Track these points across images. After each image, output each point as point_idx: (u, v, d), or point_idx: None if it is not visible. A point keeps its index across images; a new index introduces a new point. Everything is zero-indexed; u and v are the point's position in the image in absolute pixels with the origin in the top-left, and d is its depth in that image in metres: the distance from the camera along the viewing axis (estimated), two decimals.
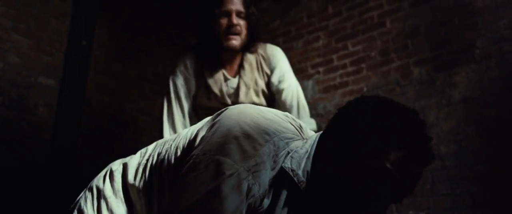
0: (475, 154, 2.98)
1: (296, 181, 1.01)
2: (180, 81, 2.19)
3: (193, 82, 2.19)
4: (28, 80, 3.38)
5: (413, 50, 3.48)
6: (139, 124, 4.12)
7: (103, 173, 1.31)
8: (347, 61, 3.82)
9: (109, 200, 1.20)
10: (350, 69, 3.78)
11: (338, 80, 3.82)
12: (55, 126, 3.45)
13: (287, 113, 1.15)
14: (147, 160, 1.22)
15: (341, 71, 3.81)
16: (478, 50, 3.17)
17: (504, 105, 2.96)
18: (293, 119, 1.14)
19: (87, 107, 3.72)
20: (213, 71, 2.18)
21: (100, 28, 3.96)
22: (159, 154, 1.20)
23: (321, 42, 4.00)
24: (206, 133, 1.03)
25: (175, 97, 2.19)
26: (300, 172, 1.01)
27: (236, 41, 2.09)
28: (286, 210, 1.04)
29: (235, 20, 2.08)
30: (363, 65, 3.72)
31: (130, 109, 4.08)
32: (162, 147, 1.22)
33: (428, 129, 3.17)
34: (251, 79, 2.17)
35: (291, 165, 1.01)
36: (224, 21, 2.08)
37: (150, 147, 1.28)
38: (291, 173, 1.00)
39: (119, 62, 4.09)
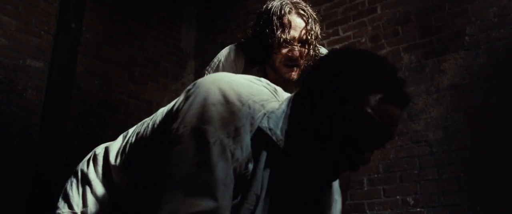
0: (462, 140, 3.02)
1: (275, 140, 1.01)
2: (224, 72, 1.89)
3: None
4: (16, 63, 3.35)
5: (404, 37, 3.49)
6: (129, 107, 4.11)
7: (87, 157, 1.33)
8: (338, 46, 3.83)
9: (93, 183, 1.21)
10: None
11: None
12: (44, 109, 3.43)
13: (261, 78, 1.14)
14: (127, 141, 1.23)
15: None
16: (467, 37, 3.19)
17: (491, 92, 2.99)
18: (268, 83, 1.14)
19: (77, 90, 3.70)
20: None
21: (89, 10, 3.92)
22: (138, 133, 1.21)
23: None
24: (182, 104, 1.03)
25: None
26: (278, 131, 1.01)
27: (295, 74, 1.84)
28: (268, 171, 1.04)
29: (297, 51, 1.80)
30: None
31: (120, 93, 4.07)
32: (141, 126, 1.23)
33: (415, 111, 3.17)
34: None
35: (268, 124, 1.01)
36: (285, 49, 1.80)
37: (131, 129, 1.30)
38: (269, 132, 1.00)
39: (109, 46, 4.06)
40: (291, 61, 1.83)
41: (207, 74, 1.96)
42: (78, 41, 3.76)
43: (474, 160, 2.95)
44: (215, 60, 1.99)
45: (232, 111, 0.97)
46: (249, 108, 1.00)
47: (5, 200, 3.08)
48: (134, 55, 4.26)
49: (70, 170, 1.37)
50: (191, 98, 1.01)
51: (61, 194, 1.26)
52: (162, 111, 1.17)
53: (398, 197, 3.18)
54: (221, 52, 2.02)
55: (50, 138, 3.41)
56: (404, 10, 3.54)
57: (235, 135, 0.96)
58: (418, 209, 3.07)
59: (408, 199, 3.13)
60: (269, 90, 1.10)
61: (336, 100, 0.97)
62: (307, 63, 1.87)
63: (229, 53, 1.97)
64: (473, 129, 3.01)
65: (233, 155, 0.95)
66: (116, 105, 4.01)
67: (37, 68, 3.46)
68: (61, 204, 1.23)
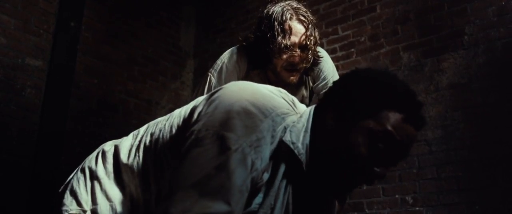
0: (461, 140, 3.03)
1: (297, 154, 1.04)
2: (228, 78, 1.96)
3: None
4: (15, 61, 3.34)
5: (403, 36, 3.49)
6: (128, 106, 4.11)
7: (95, 153, 1.29)
8: (337, 45, 3.83)
9: (102, 181, 1.18)
10: (340, 53, 3.79)
11: None
12: (43, 108, 3.42)
13: (280, 88, 1.16)
14: (140, 141, 1.21)
15: (331, 56, 3.76)
16: (466, 37, 3.19)
17: (490, 92, 3.00)
18: (286, 94, 1.16)
19: (76, 89, 3.69)
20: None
21: (88, 9, 3.91)
22: (152, 134, 1.19)
23: None
24: (205, 108, 1.04)
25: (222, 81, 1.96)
26: (299, 145, 1.04)
27: (294, 78, 1.91)
28: (284, 182, 1.07)
29: (298, 57, 1.85)
30: (353, 50, 3.73)
31: (119, 92, 4.06)
32: (155, 127, 1.21)
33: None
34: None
35: (291, 138, 1.04)
36: (285, 55, 1.84)
37: (142, 128, 1.27)
38: (291, 146, 1.03)
39: (108, 44, 4.05)
40: (291, 66, 1.87)
41: (211, 77, 1.99)
42: (77, 40, 3.75)
43: (473, 159, 2.95)
44: (219, 62, 2.01)
45: (255, 122, 0.99)
46: (272, 120, 1.02)
47: (4, 199, 3.08)
48: (133, 54, 4.25)
49: (69, 168, 1.36)
50: (215, 103, 1.02)
51: (68, 191, 1.22)
52: (179, 114, 1.16)
53: (397, 196, 3.18)
54: (224, 54, 2.03)
55: (49, 137, 3.41)
56: (404, 9, 3.54)
57: (256, 145, 0.98)
58: (417, 208, 3.07)
59: (407, 198, 3.13)
60: (288, 102, 1.13)
61: (358, 116, 1.02)
62: (306, 66, 1.91)
63: (232, 55, 1.99)
64: (472, 128, 3.01)
65: (253, 164, 0.97)
66: (115, 104, 4.00)
67: (36, 67, 3.46)
68: (68, 200, 1.19)
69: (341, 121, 1.04)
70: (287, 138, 1.04)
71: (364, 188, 3.30)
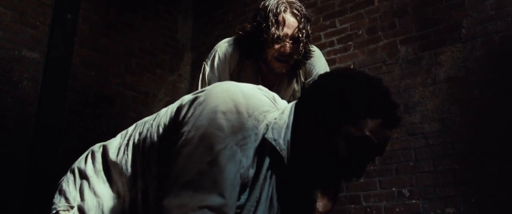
0: (458, 133, 3.03)
1: (278, 150, 1.10)
2: (220, 67, 2.03)
3: (225, 78, 2.06)
4: (12, 54, 3.33)
5: (400, 29, 3.49)
6: (125, 99, 4.10)
7: (84, 155, 1.34)
8: (334, 38, 3.83)
9: (91, 179, 1.23)
10: (337, 46, 3.79)
11: (325, 57, 3.79)
12: (40, 100, 3.42)
13: (260, 86, 1.22)
14: (128, 140, 1.25)
15: (328, 49, 3.81)
16: (464, 30, 3.19)
17: (487, 85, 3.00)
18: (267, 91, 1.22)
19: (73, 82, 3.69)
20: (249, 78, 2.06)
21: (85, 1, 3.90)
22: (140, 133, 1.23)
23: None
24: (191, 111, 1.09)
25: (216, 75, 2.03)
26: (281, 141, 1.10)
27: (284, 69, 1.98)
28: (268, 176, 1.13)
29: (289, 48, 1.93)
30: (350, 43, 3.72)
31: (117, 84, 4.06)
32: (142, 126, 1.26)
33: (411, 104, 3.18)
34: (287, 92, 2.10)
35: (273, 135, 1.10)
36: (277, 45, 1.92)
37: (130, 128, 1.32)
38: (274, 143, 1.09)
39: (105, 37, 4.04)
40: (282, 56, 1.95)
41: (205, 66, 2.07)
42: (74, 32, 3.74)
43: (469, 152, 2.96)
44: (212, 51, 2.09)
45: (241, 121, 1.05)
46: (255, 119, 1.09)
47: (1, 192, 3.08)
48: (130, 47, 4.24)
49: (66, 161, 1.37)
50: (202, 105, 1.08)
51: (57, 191, 1.26)
52: (166, 113, 1.20)
53: (393, 189, 3.20)
54: (217, 44, 2.11)
55: (46, 129, 3.40)
56: (401, 3, 3.53)
57: (242, 143, 1.04)
58: (414, 201, 3.09)
59: (403, 191, 3.15)
60: (269, 99, 1.19)
61: (337, 120, 1.08)
62: (297, 59, 2.00)
63: (224, 46, 2.07)
64: (469, 121, 3.02)
65: (240, 162, 1.04)
66: (112, 96, 4.00)
67: (33, 59, 3.45)
68: (57, 199, 1.24)
69: (322, 122, 1.10)
70: (269, 135, 1.09)
71: (362, 180, 3.31)
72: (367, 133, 1.06)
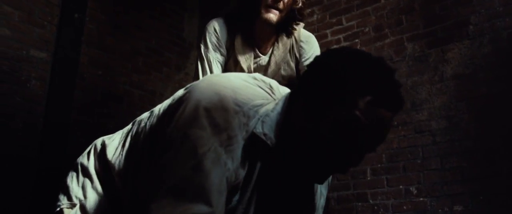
0: (465, 130, 3.02)
1: (270, 144, 1.00)
2: (214, 40, 2.11)
3: (223, 51, 2.12)
4: (20, 53, 3.35)
5: (407, 26, 3.47)
6: (132, 98, 4.12)
7: (87, 150, 1.34)
8: (341, 36, 3.82)
9: (93, 177, 1.23)
10: (344, 44, 3.78)
11: None
12: (47, 99, 3.44)
13: (255, 75, 1.12)
14: (125, 140, 1.23)
15: (335, 46, 3.80)
16: (471, 27, 3.17)
17: (495, 82, 2.98)
18: (262, 80, 1.11)
19: (80, 81, 3.70)
20: (244, 46, 2.11)
21: (92, 1, 3.91)
22: (134, 133, 1.21)
23: (315, 17, 3.98)
24: (176, 108, 1.02)
25: (211, 57, 2.11)
26: (272, 134, 1.01)
27: (274, 16, 2.02)
28: (260, 169, 1.05)
29: None
30: (357, 40, 3.71)
31: (124, 83, 4.07)
32: (138, 126, 1.21)
33: (419, 101, 3.15)
34: (282, 60, 2.12)
35: (263, 129, 1.00)
36: None
37: (128, 127, 1.29)
38: (263, 137, 0.99)
39: (112, 36, 4.05)
40: (273, 4, 2.01)
41: (201, 47, 2.14)
42: (82, 32, 3.75)
43: (477, 150, 2.94)
44: (203, 33, 2.18)
45: (226, 119, 0.95)
46: (244, 115, 0.98)
47: (10, 191, 3.10)
48: (137, 46, 4.26)
49: (74, 160, 1.38)
50: (185, 103, 0.99)
51: (61, 187, 1.28)
52: (158, 111, 1.15)
53: (401, 186, 3.19)
54: (206, 25, 2.19)
55: (54, 129, 3.42)
56: None
57: (227, 144, 0.94)
58: (421, 199, 3.08)
59: (411, 188, 3.14)
60: (264, 89, 1.08)
61: (327, 101, 0.96)
62: (287, 13, 2.07)
63: (212, 23, 2.16)
64: (477, 118, 3.00)
65: (225, 164, 0.94)
66: (119, 95, 4.01)
67: (40, 59, 3.47)
68: (61, 196, 1.25)
69: (312, 106, 0.98)
70: (258, 130, 0.99)
71: (369, 178, 3.30)
72: (356, 112, 0.92)
